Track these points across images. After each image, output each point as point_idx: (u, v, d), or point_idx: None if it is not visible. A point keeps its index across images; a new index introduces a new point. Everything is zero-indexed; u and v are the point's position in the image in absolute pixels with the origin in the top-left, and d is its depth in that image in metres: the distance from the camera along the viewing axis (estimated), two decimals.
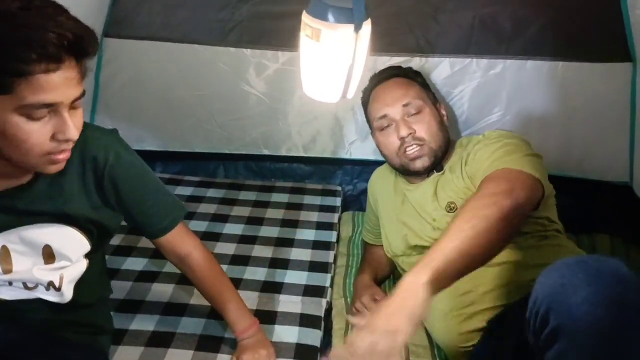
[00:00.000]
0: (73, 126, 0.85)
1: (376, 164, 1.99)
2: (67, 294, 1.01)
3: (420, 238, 1.36)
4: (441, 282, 0.91)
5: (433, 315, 1.28)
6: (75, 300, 1.03)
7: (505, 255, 1.21)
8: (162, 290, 1.45)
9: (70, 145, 0.87)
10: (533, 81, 1.69)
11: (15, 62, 0.76)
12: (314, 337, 1.33)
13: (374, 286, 1.48)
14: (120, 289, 1.44)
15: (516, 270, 1.18)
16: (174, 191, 1.94)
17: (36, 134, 0.82)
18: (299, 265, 1.59)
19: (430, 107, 1.46)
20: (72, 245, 0.99)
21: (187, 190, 1.96)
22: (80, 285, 1.03)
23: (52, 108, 0.82)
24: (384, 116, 1.45)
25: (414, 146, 1.39)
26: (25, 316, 0.99)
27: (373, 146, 1.95)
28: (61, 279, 0.99)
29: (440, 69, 1.73)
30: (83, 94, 0.87)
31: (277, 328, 1.34)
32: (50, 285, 0.99)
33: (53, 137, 0.84)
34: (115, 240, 1.58)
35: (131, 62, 1.85)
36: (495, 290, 1.17)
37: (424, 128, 1.40)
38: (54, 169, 0.89)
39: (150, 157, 2.04)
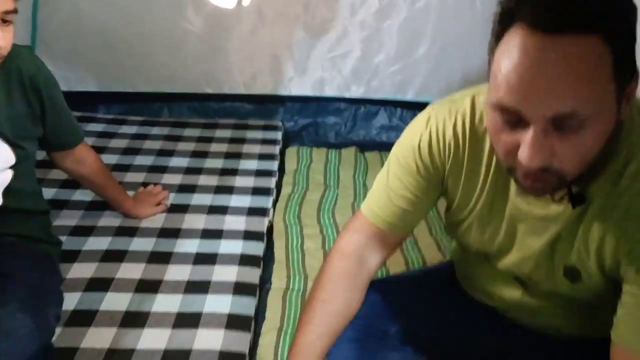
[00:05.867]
0: (1, 36, 0.92)
1: (316, 100, 2.11)
2: None
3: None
4: None
5: None
6: (5, 207, 1.09)
7: None
8: (113, 215, 1.53)
9: None
10: (456, 12, 1.81)
11: None
12: (257, 247, 1.46)
13: None
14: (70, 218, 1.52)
15: None
16: (118, 130, 1.99)
17: None
18: (243, 190, 1.70)
19: (606, 111, 0.66)
20: None
21: (131, 129, 2.01)
22: (9, 193, 1.10)
23: None
24: (515, 112, 0.66)
25: (539, 178, 0.69)
26: None
27: (311, 82, 2.07)
28: None
29: (370, 3, 1.82)
30: (14, 10, 0.96)
31: (223, 242, 1.46)
32: None
33: None
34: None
35: (68, 0, 1.86)
36: None
37: (571, 156, 0.67)
38: None
39: (92, 99, 2.08)
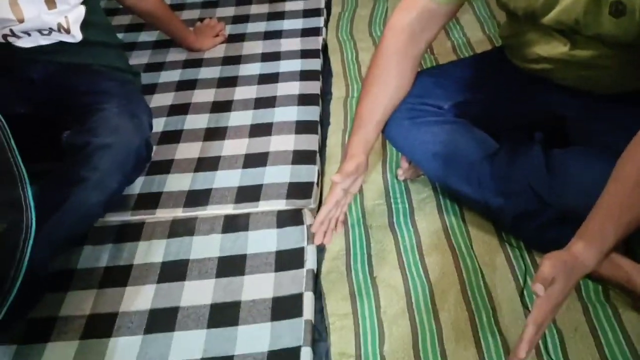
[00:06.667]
0: None
1: None
2: (77, 34, 1.19)
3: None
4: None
5: None
6: (86, 39, 1.20)
7: None
8: (178, 51, 1.65)
9: None
10: None
11: None
12: (315, 63, 1.55)
13: (360, 158, 0.97)
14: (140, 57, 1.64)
15: None
16: None
17: None
18: (294, 14, 1.75)
19: None
20: None
21: None
22: (87, 27, 1.20)
23: None
24: None
25: None
26: (49, 59, 1.19)
27: None
28: (67, 20, 1.16)
29: None
30: None
31: (282, 62, 1.56)
32: (60, 28, 1.16)
33: None
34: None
35: None
36: None
37: None
38: None
39: None
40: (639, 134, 0.78)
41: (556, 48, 0.96)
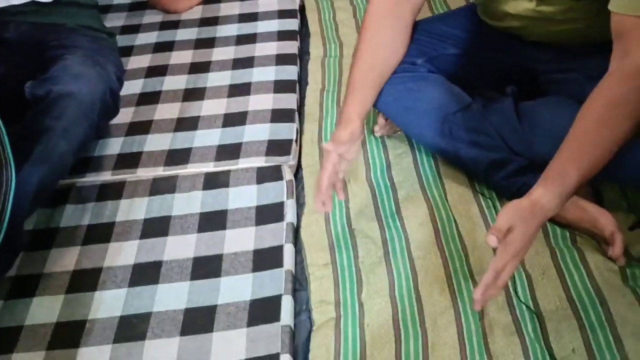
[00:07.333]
0: None
1: None
2: None
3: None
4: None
5: None
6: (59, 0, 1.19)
7: None
8: (154, 13, 1.63)
9: None
10: None
11: None
12: (292, 23, 1.56)
13: (354, 123, 0.96)
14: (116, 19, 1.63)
15: None
16: None
17: None
18: None
19: None
20: None
21: None
22: None
23: None
24: None
25: None
26: (21, 20, 1.18)
27: None
28: None
29: None
30: None
31: (260, 22, 1.56)
32: None
33: None
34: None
35: None
36: None
37: None
38: None
39: None
40: (604, 78, 0.80)
41: (522, 4, 0.97)
